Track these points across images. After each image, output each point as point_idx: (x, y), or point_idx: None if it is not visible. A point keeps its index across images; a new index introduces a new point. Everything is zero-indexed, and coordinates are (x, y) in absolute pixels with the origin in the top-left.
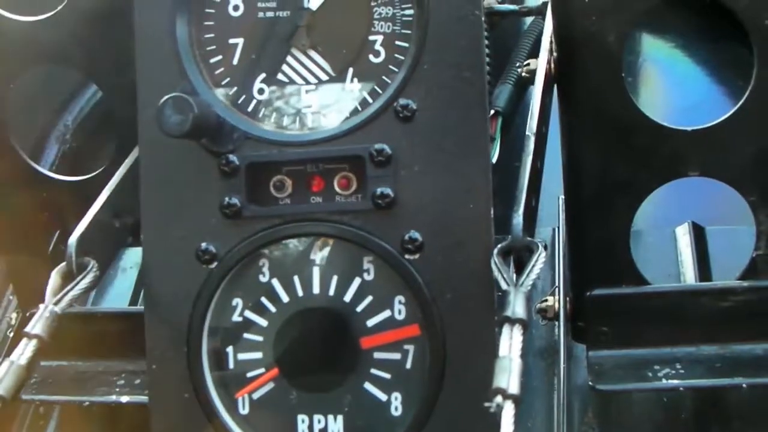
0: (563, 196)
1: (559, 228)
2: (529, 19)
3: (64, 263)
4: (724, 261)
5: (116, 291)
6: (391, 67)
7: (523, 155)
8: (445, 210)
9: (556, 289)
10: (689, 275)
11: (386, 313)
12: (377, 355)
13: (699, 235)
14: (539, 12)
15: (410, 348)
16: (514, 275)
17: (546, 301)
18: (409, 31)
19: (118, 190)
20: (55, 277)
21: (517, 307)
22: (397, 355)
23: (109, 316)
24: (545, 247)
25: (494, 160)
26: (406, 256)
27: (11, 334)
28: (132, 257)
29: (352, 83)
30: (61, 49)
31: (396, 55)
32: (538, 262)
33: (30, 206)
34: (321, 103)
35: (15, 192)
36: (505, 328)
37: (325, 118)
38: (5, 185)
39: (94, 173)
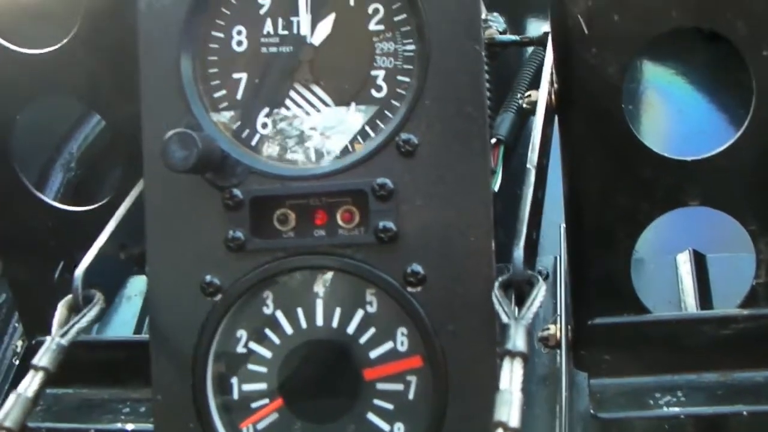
0: (564, 225)
1: (560, 256)
2: (530, 48)
3: (70, 296)
4: (724, 288)
5: (121, 319)
6: (393, 101)
7: (524, 188)
8: (447, 243)
9: (558, 317)
10: (690, 302)
11: (389, 345)
12: (380, 386)
13: (700, 262)
14: (540, 42)
15: (413, 379)
16: (516, 308)
17: (548, 329)
18: (410, 66)
19: (124, 222)
20: (61, 310)
21: (517, 340)
22: (399, 386)
23: (114, 344)
24: (546, 277)
25: (496, 188)
26: (409, 289)
27: (17, 362)
28: (137, 285)
29: (355, 117)
30: (66, 82)
31: (398, 90)
32: (538, 296)
33: (35, 235)
34: (324, 125)
35: (20, 221)
36: (506, 362)
37: (329, 140)
38: (10, 214)
39: (100, 203)
